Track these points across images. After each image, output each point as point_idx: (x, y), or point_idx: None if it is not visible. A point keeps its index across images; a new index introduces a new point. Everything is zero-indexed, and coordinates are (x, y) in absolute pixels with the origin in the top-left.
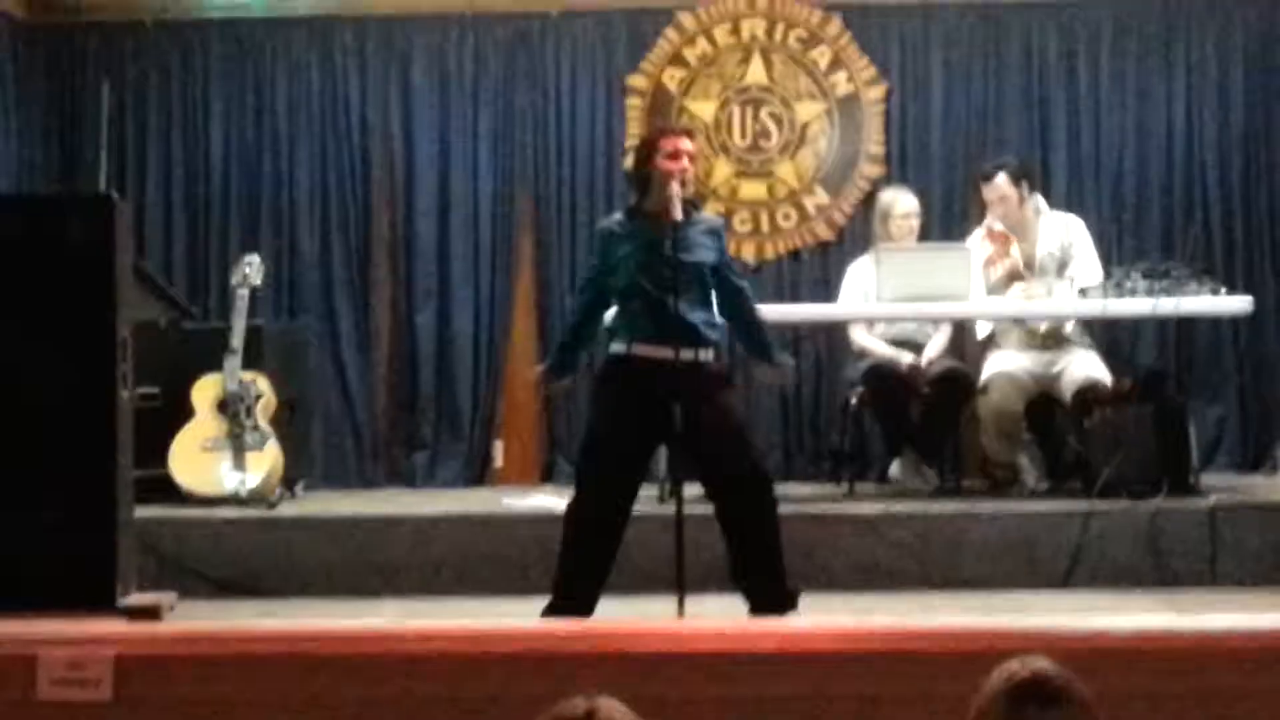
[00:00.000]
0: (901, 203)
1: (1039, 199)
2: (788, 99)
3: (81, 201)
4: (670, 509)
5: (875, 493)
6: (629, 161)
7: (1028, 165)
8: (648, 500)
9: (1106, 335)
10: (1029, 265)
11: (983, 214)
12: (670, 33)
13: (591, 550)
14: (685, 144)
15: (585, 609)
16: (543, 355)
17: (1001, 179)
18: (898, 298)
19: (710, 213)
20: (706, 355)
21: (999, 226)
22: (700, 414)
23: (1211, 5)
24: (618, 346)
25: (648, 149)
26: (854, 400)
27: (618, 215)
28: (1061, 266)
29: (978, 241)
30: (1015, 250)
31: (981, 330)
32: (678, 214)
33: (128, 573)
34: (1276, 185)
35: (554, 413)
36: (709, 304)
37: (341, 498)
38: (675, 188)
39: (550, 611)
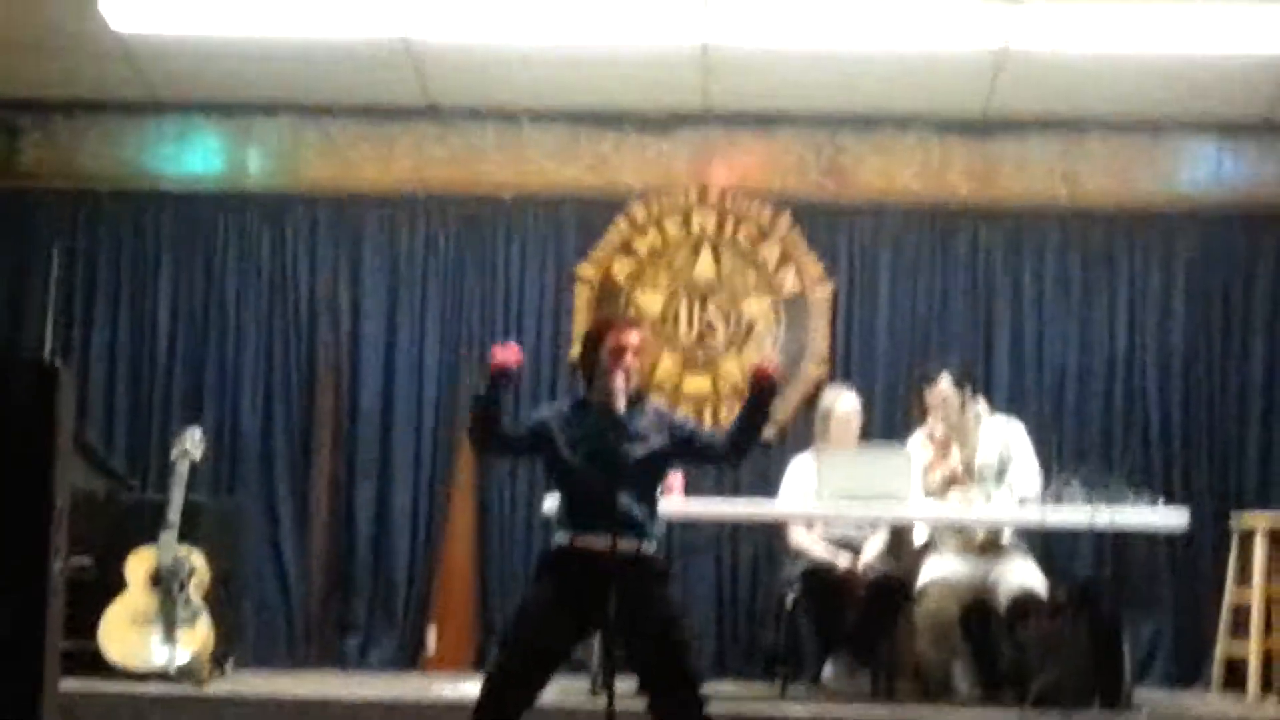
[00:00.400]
0: (842, 403)
1: (980, 403)
2: (735, 294)
3: (24, 368)
4: (602, 701)
5: (808, 694)
6: (575, 351)
7: (970, 369)
8: (580, 693)
9: (1043, 544)
10: (968, 471)
11: (924, 417)
12: (621, 223)
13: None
14: (632, 337)
15: None
16: (479, 541)
17: (945, 382)
18: (837, 497)
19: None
20: (648, 548)
21: (939, 432)
22: (636, 607)
23: (1155, 223)
24: (560, 538)
25: (594, 340)
26: (790, 600)
27: (565, 403)
28: (1000, 473)
29: (918, 445)
30: (955, 456)
31: (919, 536)
32: (620, 406)
33: None
34: (1215, 402)
35: (488, 599)
36: (653, 496)
37: (272, 677)
38: (619, 381)
39: None
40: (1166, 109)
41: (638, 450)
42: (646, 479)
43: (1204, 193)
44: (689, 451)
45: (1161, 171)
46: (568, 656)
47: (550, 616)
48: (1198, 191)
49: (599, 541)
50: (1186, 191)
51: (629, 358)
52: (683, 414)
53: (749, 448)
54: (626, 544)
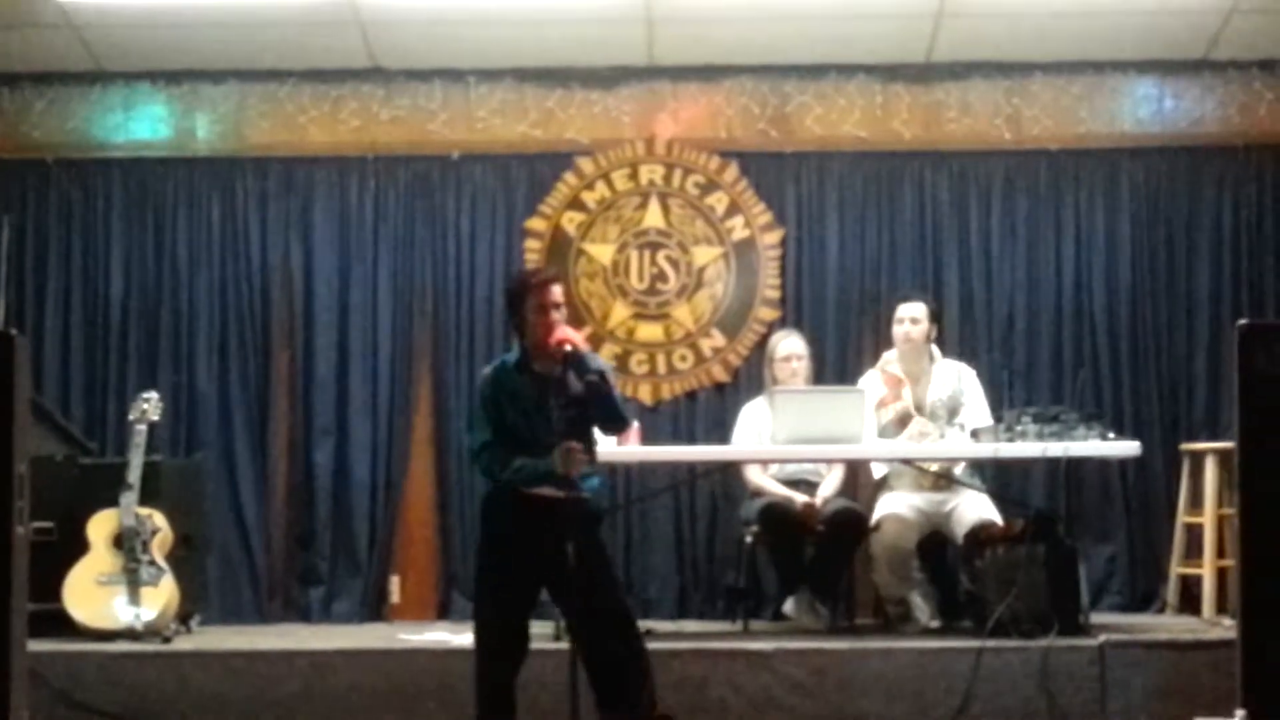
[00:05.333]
0: (784, 346)
1: (934, 347)
2: (685, 243)
3: None
4: (564, 645)
5: (770, 630)
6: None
7: (941, 312)
8: (543, 638)
9: (997, 478)
10: (920, 409)
11: (877, 356)
12: (569, 177)
13: (502, 663)
14: (553, 293)
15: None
16: (439, 492)
17: (920, 305)
18: (792, 439)
19: (603, 355)
20: (584, 493)
21: (893, 368)
22: (577, 552)
23: (1099, 161)
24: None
25: (517, 298)
26: (749, 538)
27: (502, 362)
28: (952, 413)
29: (871, 381)
30: (907, 393)
31: (877, 471)
32: (548, 369)
33: (20, 708)
34: (1162, 332)
35: (449, 548)
36: (590, 453)
37: (237, 633)
38: (560, 340)
39: None
40: (1108, 50)
41: (569, 410)
42: (577, 432)
43: (1146, 131)
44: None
45: (1104, 111)
46: (536, 600)
47: (506, 565)
48: (1140, 130)
49: (542, 492)
50: (1129, 130)
51: (552, 315)
52: (608, 369)
53: (608, 416)
54: (564, 495)
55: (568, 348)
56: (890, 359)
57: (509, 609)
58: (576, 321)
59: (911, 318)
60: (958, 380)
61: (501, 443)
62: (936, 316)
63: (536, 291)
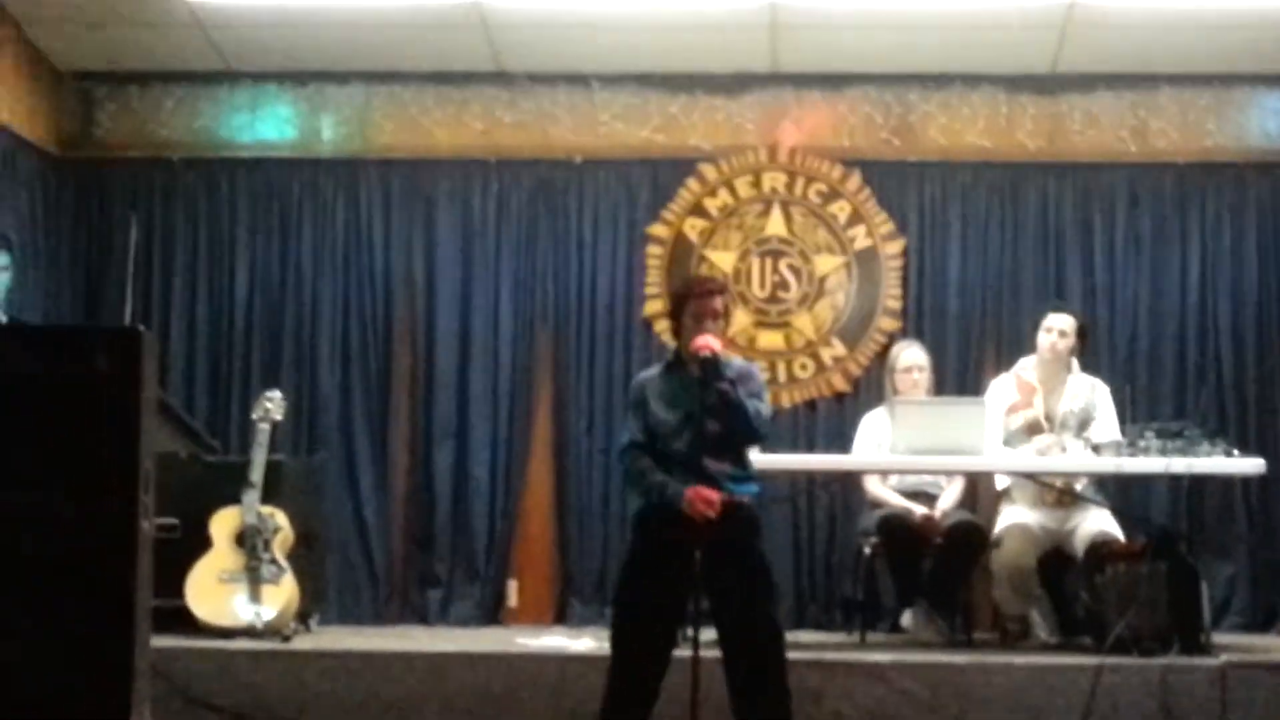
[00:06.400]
0: (905, 357)
1: (1074, 360)
2: (807, 251)
3: (108, 334)
4: (687, 652)
5: (886, 642)
6: (648, 308)
7: (1089, 329)
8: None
9: (1119, 494)
10: (1050, 419)
11: (998, 367)
12: (692, 183)
13: (635, 685)
14: (715, 302)
15: None
16: (558, 497)
17: (1070, 319)
18: (912, 450)
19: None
20: (740, 498)
21: (1028, 375)
22: (722, 559)
23: (1225, 171)
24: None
25: (678, 303)
26: (867, 550)
27: (653, 370)
28: (1082, 426)
29: (1005, 385)
30: (1039, 402)
31: (1000, 481)
32: (695, 373)
33: (143, 702)
34: None
35: (568, 554)
36: (741, 460)
37: (355, 633)
38: (699, 346)
39: None
40: (1235, 62)
41: (713, 420)
42: (732, 440)
43: (1274, 145)
44: None
45: (1231, 124)
46: (677, 621)
47: (650, 575)
48: (1268, 143)
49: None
50: (1257, 144)
51: (709, 322)
52: (757, 376)
53: (736, 427)
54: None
55: (705, 354)
56: (1027, 365)
57: (647, 626)
58: None
59: (1060, 329)
60: (1091, 392)
61: (649, 446)
62: (1084, 332)
63: (697, 299)
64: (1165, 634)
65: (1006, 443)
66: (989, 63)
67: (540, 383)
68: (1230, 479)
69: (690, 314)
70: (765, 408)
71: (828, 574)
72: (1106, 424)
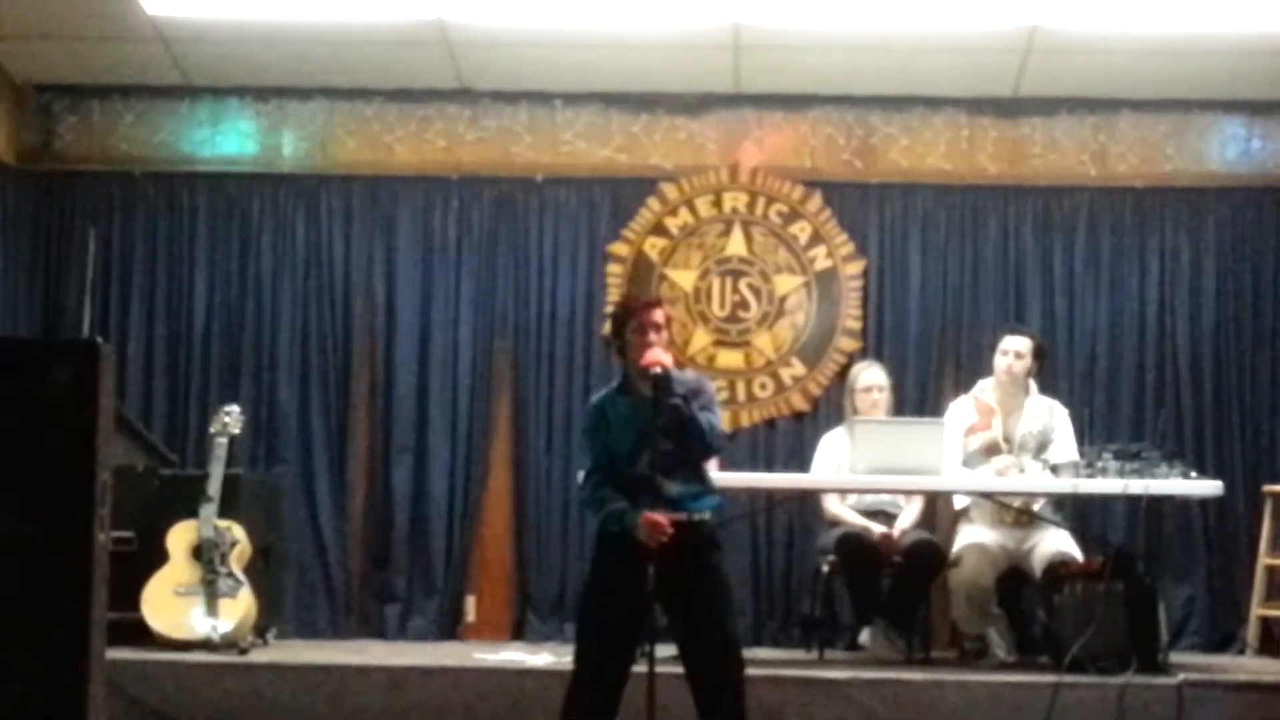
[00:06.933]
0: (865, 377)
1: (1031, 382)
2: (767, 271)
3: (66, 347)
4: (642, 668)
5: (845, 659)
6: (607, 327)
7: (1045, 349)
8: None
9: (1077, 514)
10: (1009, 440)
11: (957, 389)
12: (653, 202)
13: (593, 703)
14: (656, 315)
15: None
16: (516, 513)
17: (1027, 341)
18: (871, 469)
19: (692, 372)
20: (698, 517)
21: (985, 396)
22: (682, 578)
23: (1184, 196)
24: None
25: (619, 321)
26: (825, 568)
27: (606, 391)
28: (1040, 448)
29: (963, 407)
30: (997, 424)
31: (959, 501)
32: (646, 391)
33: (98, 715)
34: (1246, 372)
35: (526, 569)
36: (699, 474)
37: (312, 647)
38: (650, 362)
39: None
40: (1195, 88)
41: (669, 437)
42: (681, 459)
43: (1233, 170)
44: None
45: (1191, 149)
46: (635, 641)
47: (611, 594)
48: (1227, 169)
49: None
50: (1216, 169)
51: (650, 335)
52: (709, 389)
53: (690, 443)
54: (672, 518)
55: (656, 370)
56: (985, 387)
57: (608, 646)
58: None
59: (1016, 351)
60: (1050, 415)
61: (607, 472)
62: (1040, 352)
63: (639, 312)
64: (1123, 653)
65: (965, 464)
66: (951, 85)
67: (499, 399)
68: (1188, 500)
69: (633, 329)
70: (719, 420)
71: (786, 592)
72: (1065, 445)
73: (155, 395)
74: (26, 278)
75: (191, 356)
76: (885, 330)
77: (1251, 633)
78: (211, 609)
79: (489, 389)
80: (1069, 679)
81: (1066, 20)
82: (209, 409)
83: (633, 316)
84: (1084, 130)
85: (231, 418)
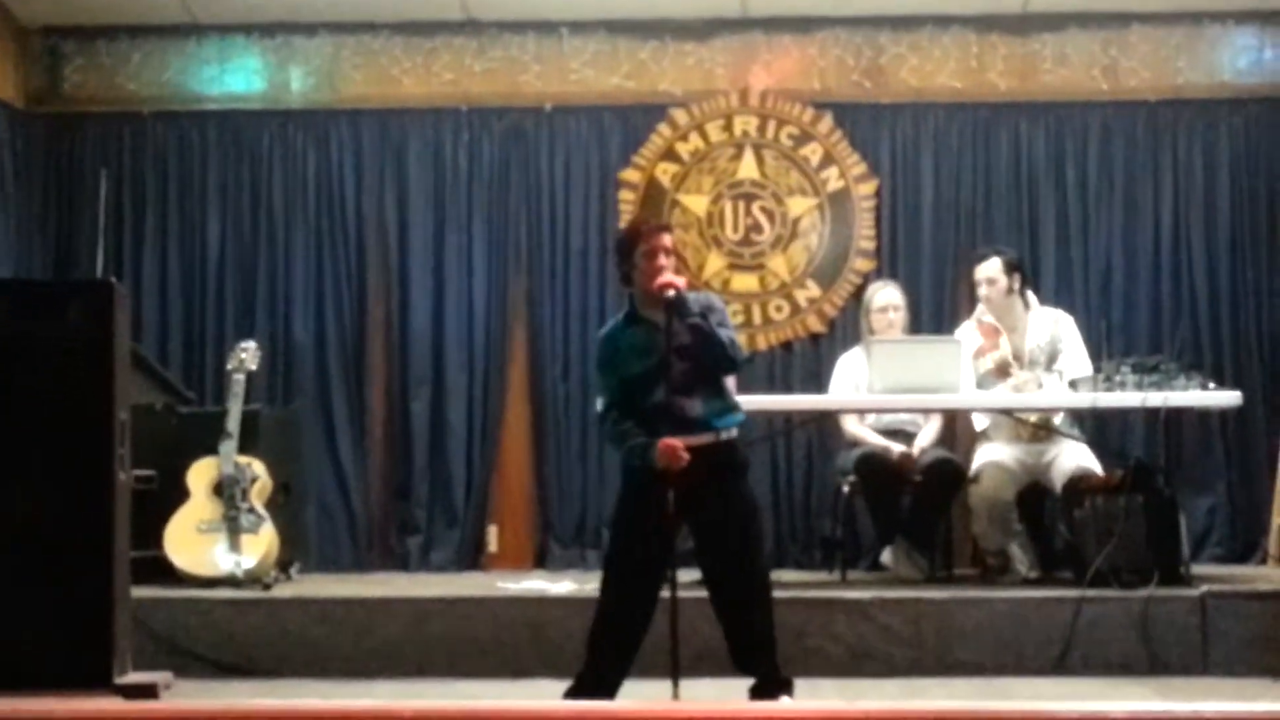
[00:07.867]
0: (880, 296)
1: (1030, 294)
2: (779, 194)
3: (81, 287)
4: (665, 593)
5: (867, 579)
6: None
7: (1021, 260)
8: None
9: (1096, 429)
10: (1018, 357)
11: (973, 306)
12: (663, 128)
13: (619, 633)
14: (663, 239)
15: (609, 692)
16: (535, 442)
17: (995, 263)
18: (888, 389)
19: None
20: (725, 436)
21: (988, 318)
22: (707, 501)
23: (1196, 108)
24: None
25: (626, 248)
26: (846, 489)
27: (614, 322)
28: (1050, 360)
29: (968, 332)
30: (1005, 342)
31: (979, 423)
32: (656, 316)
33: (124, 652)
34: (1263, 282)
35: (547, 498)
36: (720, 392)
37: (336, 580)
38: (663, 284)
39: (574, 692)
40: (1206, 0)
41: (684, 359)
42: (706, 376)
43: (1245, 81)
44: None
45: (1202, 62)
46: (663, 566)
47: (638, 525)
48: (1239, 80)
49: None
50: (1228, 80)
51: (660, 260)
52: (720, 307)
53: (714, 358)
54: (698, 440)
55: (670, 293)
56: (984, 310)
57: (635, 580)
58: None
59: (987, 278)
60: (1055, 326)
61: (625, 404)
62: (1015, 266)
63: (647, 237)
64: (1145, 566)
65: (979, 386)
66: (959, 3)
67: (514, 329)
68: (1207, 412)
69: (642, 254)
70: (735, 334)
71: (807, 513)
72: (1074, 354)
73: (171, 334)
74: (39, 220)
75: (206, 294)
76: (899, 250)
77: (1273, 542)
78: (234, 545)
79: (504, 319)
80: (1091, 593)
81: None
82: (225, 346)
83: (641, 241)
84: (1094, 45)
85: (248, 354)
